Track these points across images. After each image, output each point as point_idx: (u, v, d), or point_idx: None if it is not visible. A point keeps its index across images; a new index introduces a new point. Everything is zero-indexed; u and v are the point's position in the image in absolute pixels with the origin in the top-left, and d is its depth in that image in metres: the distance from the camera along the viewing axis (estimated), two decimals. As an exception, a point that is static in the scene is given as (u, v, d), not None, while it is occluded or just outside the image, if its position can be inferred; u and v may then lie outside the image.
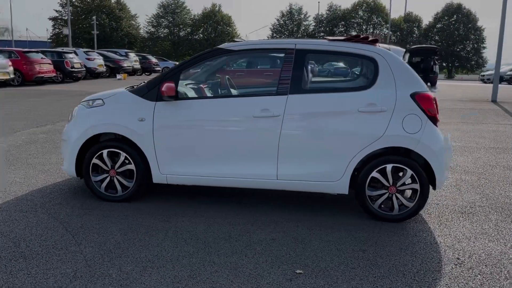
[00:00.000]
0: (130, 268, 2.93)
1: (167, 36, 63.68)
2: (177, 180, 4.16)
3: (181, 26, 63.91)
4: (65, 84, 19.97)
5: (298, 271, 2.97)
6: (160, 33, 64.19)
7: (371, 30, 62.78)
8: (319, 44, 4.13)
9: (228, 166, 4.05)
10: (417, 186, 3.89)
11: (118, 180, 4.22)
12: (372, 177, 3.90)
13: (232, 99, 4.22)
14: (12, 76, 17.31)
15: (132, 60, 28.37)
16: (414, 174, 3.86)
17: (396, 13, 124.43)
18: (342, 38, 4.08)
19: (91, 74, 23.33)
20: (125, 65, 26.15)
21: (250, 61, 8.07)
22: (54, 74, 19.60)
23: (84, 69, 21.85)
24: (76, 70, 20.93)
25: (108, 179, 4.23)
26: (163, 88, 3.88)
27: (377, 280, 2.88)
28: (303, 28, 65.54)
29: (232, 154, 4.03)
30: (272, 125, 3.91)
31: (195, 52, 48.32)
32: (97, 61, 23.77)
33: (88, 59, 23.24)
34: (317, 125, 3.94)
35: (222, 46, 4.23)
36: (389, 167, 3.87)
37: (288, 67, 3.98)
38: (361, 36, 4.03)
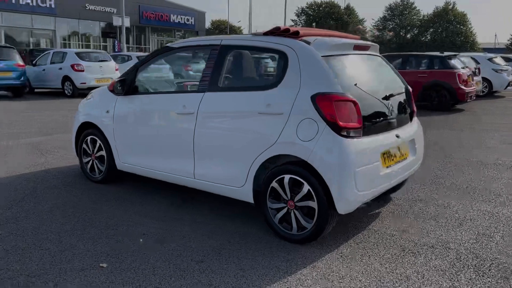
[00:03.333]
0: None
1: (392, 39, 61.93)
2: (131, 170, 4.54)
3: (408, 28, 61.21)
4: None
5: (102, 265, 3.02)
6: (385, 37, 62.93)
7: None
8: (240, 40, 3.88)
9: (160, 160, 4.21)
10: (314, 204, 3.27)
11: (96, 163, 4.89)
12: (272, 187, 3.47)
13: (166, 95, 4.32)
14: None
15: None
16: (311, 190, 3.26)
17: None
18: (263, 31, 3.70)
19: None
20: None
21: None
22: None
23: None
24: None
25: (90, 162, 4.95)
26: (110, 84, 4.33)
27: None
28: None
29: (163, 149, 4.18)
30: (188, 123, 3.89)
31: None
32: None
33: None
34: (223, 125, 3.73)
35: (168, 44, 4.42)
36: (286, 178, 3.37)
37: (211, 63, 3.87)
38: (282, 28, 3.59)
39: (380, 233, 3.63)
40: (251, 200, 3.61)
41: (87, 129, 4.92)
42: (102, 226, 3.67)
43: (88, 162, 4.97)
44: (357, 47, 3.70)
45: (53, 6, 35.83)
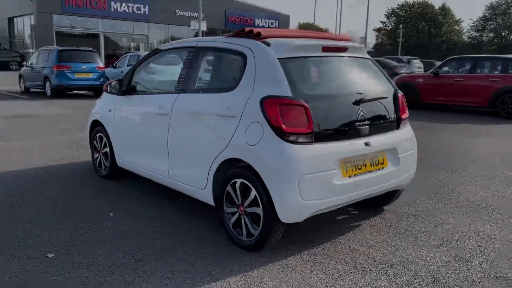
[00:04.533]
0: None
1: (492, 40, 56.95)
2: (126, 167, 4.75)
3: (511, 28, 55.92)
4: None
5: (48, 255, 3.20)
6: (484, 38, 58.09)
7: None
8: (212, 41, 3.86)
9: (146, 159, 4.35)
10: (260, 210, 3.17)
11: (102, 159, 5.18)
12: (227, 191, 3.42)
13: (151, 96, 4.43)
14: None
15: (415, 66, 27.52)
16: (257, 195, 3.16)
17: None
18: (234, 33, 3.65)
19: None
20: (401, 71, 25.71)
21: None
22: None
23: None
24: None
25: (99, 158, 5.25)
26: (104, 85, 4.56)
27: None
28: None
29: (146, 148, 4.31)
30: (164, 123, 3.97)
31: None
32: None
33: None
34: (189, 127, 3.75)
35: (158, 46, 4.54)
36: (238, 182, 3.30)
37: (186, 65, 3.93)
38: (246, 30, 3.51)
39: (343, 247, 3.41)
40: (212, 203, 3.60)
41: (97, 127, 5.23)
42: (78, 219, 3.89)
43: (97, 158, 5.28)
44: (327, 49, 3.50)
45: (147, 12, 38.44)
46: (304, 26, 65.73)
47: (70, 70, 15.17)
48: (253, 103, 3.18)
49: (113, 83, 4.78)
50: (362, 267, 3.08)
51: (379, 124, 3.60)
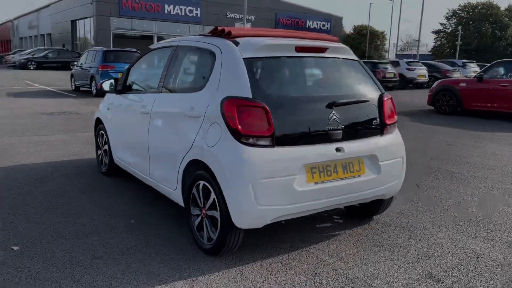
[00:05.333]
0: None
1: None
2: (120, 165, 4.81)
3: None
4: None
5: (13, 247, 3.28)
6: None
7: None
8: (189, 41, 3.80)
9: (133, 158, 4.38)
10: (217, 214, 3.07)
11: (103, 156, 5.29)
12: (193, 193, 3.35)
13: (137, 95, 4.42)
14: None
15: (470, 70, 26.10)
16: (215, 199, 3.07)
17: None
18: (210, 32, 3.57)
19: (410, 84, 23.32)
20: (453, 76, 24.49)
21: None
22: (363, 83, 21.03)
23: (397, 79, 22.15)
24: (387, 79, 21.58)
25: (101, 155, 5.36)
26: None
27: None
28: None
29: (133, 147, 4.34)
30: (146, 123, 3.97)
31: None
32: (418, 71, 23.47)
33: (409, 69, 23.33)
34: (163, 127, 3.74)
35: (149, 46, 4.55)
36: (201, 184, 3.22)
37: (167, 65, 3.91)
38: (219, 29, 3.43)
39: (310, 256, 3.23)
40: (183, 204, 3.54)
41: (100, 124, 5.35)
42: (59, 213, 3.98)
43: (99, 155, 5.40)
44: (301, 49, 3.33)
45: (199, 15, 39.30)
46: (359, 28, 64.36)
47: (114, 70, 15.71)
48: (215, 104, 3.10)
49: (110, 82, 4.86)
50: (319, 280, 2.90)
51: (357, 129, 3.38)
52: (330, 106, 3.21)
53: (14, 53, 39.79)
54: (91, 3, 35.44)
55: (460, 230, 3.79)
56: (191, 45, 3.76)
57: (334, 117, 3.21)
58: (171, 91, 3.79)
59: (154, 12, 37.12)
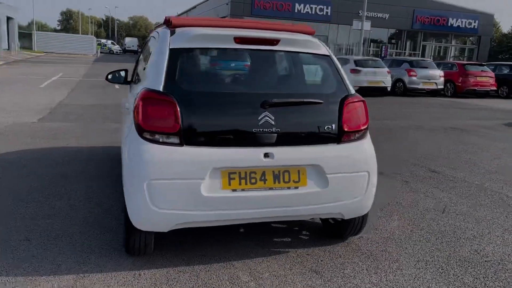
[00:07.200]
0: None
1: None
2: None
3: None
4: (506, 99, 18.42)
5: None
6: None
7: None
8: (153, 30, 3.67)
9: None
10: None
11: (123, 146, 5.49)
12: (125, 188, 3.26)
13: (132, 86, 4.42)
14: (440, 86, 18.05)
15: None
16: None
17: None
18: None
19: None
20: None
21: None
22: (494, 88, 18.48)
23: None
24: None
25: (123, 144, 5.58)
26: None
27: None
28: None
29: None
30: (130, 119, 3.99)
31: None
32: None
33: None
34: (125, 120, 3.69)
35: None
36: (125, 179, 3.12)
37: (139, 55, 3.88)
38: (166, 18, 3.24)
39: (226, 271, 2.90)
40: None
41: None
42: (42, 196, 4.13)
43: (121, 145, 5.63)
44: (243, 40, 2.96)
45: (329, 14, 38.78)
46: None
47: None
48: (135, 97, 2.96)
49: (118, 72, 5.00)
50: (207, 299, 2.57)
51: (299, 134, 2.91)
52: (263, 105, 2.81)
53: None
54: (227, 4, 37.51)
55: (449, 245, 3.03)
56: (152, 35, 3.67)
57: (267, 118, 2.80)
58: (134, 83, 3.76)
59: (284, 11, 37.74)
